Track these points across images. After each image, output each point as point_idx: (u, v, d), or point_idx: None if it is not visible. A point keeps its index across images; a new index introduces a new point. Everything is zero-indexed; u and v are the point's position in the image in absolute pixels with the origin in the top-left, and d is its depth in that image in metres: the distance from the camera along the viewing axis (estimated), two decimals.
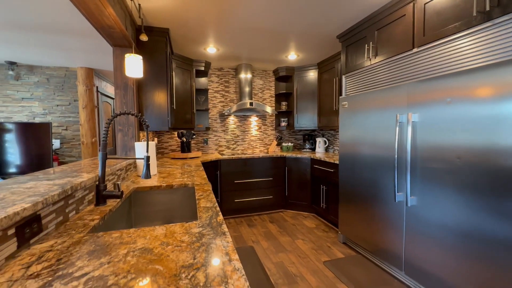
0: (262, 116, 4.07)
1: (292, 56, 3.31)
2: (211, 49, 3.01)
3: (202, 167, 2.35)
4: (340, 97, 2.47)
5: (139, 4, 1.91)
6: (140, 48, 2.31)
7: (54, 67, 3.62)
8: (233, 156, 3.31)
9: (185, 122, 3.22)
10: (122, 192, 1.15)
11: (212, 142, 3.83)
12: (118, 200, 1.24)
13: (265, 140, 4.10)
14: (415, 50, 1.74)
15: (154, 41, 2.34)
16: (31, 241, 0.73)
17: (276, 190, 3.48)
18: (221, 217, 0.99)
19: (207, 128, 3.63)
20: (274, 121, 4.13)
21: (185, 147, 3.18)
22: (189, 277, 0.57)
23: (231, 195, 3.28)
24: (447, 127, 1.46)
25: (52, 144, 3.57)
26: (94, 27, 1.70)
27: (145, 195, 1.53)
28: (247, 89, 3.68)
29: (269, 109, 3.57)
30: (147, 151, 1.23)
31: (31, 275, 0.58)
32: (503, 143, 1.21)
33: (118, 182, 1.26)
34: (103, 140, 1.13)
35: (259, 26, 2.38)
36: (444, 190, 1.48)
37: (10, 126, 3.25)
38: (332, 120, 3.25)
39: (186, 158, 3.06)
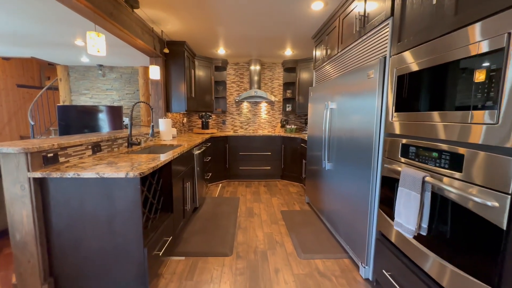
0: (271, 102, 4.83)
1: (288, 52, 3.94)
2: (221, 51, 3.93)
3: (204, 140, 3.39)
4: (310, 87, 3.09)
5: (162, 31, 2.96)
6: (167, 56, 3.40)
7: (125, 67, 5.16)
8: (238, 133, 4.26)
9: (205, 106, 4.30)
10: (140, 142, 2.26)
11: (229, 123, 4.85)
12: (139, 146, 2.36)
13: (273, 122, 4.88)
14: (339, 53, 2.29)
15: (175, 50, 3.40)
16: (97, 153, 1.87)
17: (273, 163, 4.30)
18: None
19: (223, 112, 4.64)
20: (281, 107, 4.85)
21: (204, 126, 4.28)
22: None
23: (237, 163, 4.27)
24: (345, 113, 2.05)
25: (123, 121, 5.20)
26: (136, 48, 2.84)
27: (155, 148, 2.65)
28: (255, 78, 4.49)
29: (271, 97, 4.33)
30: (152, 121, 2.30)
31: (95, 159, 1.69)
32: (355, 126, 1.81)
33: (143, 139, 2.38)
34: (130, 115, 2.24)
35: (251, 33, 3.17)
36: (344, 159, 2.11)
37: (101, 108, 4.95)
38: None
39: (203, 133, 4.17)
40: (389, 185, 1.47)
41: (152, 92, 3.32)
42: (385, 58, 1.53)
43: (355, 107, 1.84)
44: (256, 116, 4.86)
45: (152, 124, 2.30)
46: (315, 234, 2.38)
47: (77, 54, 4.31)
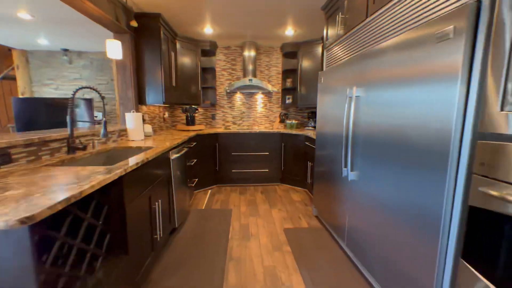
0: (268, 93, 4.16)
1: (289, 32, 3.26)
2: (208, 29, 3.22)
3: (188, 139, 2.71)
4: (320, 72, 2.43)
5: None
6: (138, 33, 2.68)
7: (96, 52, 4.38)
8: (230, 130, 3.59)
9: (190, 98, 3.60)
10: (85, 146, 1.57)
11: (219, 118, 4.16)
12: (85, 152, 1.67)
13: (271, 117, 4.22)
14: (370, 19, 1.64)
15: (148, 26, 2.68)
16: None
17: (272, 164, 3.66)
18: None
19: (212, 104, 3.95)
20: (280, 99, 4.19)
21: (189, 121, 3.59)
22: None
23: (229, 165, 3.61)
24: (386, 104, 1.41)
25: (96, 116, 4.44)
26: (90, 18, 2.11)
27: (113, 153, 1.96)
28: (250, 66, 3.80)
29: (269, 86, 3.66)
30: (104, 117, 1.60)
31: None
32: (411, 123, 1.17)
33: (98, 141, 1.69)
34: (69, 108, 1.54)
35: (245, 4, 2.47)
36: (380, 166, 1.48)
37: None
38: None
39: (188, 130, 3.48)
40: (489, 224, 0.85)
41: (119, 79, 2.61)
42: (478, 2, 0.88)
43: (407, 92, 1.20)
44: (251, 110, 4.19)
45: (103, 119, 1.62)
46: (334, 266, 1.76)
47: (33, 34, 3.52)
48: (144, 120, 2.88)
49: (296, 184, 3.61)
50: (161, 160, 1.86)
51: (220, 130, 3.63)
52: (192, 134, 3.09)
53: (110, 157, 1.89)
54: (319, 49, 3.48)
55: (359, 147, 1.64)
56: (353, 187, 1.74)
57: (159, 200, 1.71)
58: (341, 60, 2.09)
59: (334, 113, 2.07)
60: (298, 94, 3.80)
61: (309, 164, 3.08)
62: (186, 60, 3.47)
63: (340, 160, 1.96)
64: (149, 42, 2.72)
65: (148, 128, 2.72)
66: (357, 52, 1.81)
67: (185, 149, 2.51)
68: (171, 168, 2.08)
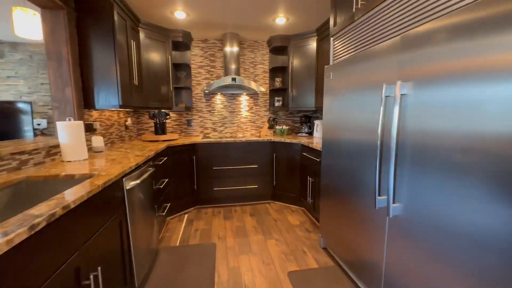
0: (254, 95, 3.58)
1: (281, 20, 2.72)
2: (180, 14, 2.57)
3: (155, 154, 2.03)
4: (326, 66, 1.91)
5: None
6: (82, 13, 1.96)
7: (36, 43, 3.49)
8: (210, 140, 2.94)
9: (160, 100, 2.91)
10: None
11: (197, 124, 3.49)
12: None
13: (258, 122, 3.64)
14: None
15: (97, 4, 1.97)
16: None
17: (262, 179, 3.07)
18: None
19: (188, 108, 3.27)
20: (268, 101, 3.63)
21: (159, 129, 2.88)
22: None
23: (210, 182, 2.96)
24: (457, 105, 0.89)
25: (39, 124, 3.54)
26: None
27: (16, 189, 1.24)
28: (232, 63, 3.20)
29: (255, 86, 3.09)
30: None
31: None
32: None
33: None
34: None
35: None
36: (443, 195, 0.95)
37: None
38: None
39: (157, 141, 2.77)
40: None
41: (50, 73, 1.86)
42: None
43: (501, 88, 0.68)
44: (235, 114, 3.58)
45: None
46: None
47: None
48: (93, 131, 2.14)
49: (290, 201, 3.05)
50: (106, 196, 1.18)
51: (198, 139, 2.97)
52: (162, 146, 2.40)
53: (15, 197, 1.17)
54: (313, 44, 2.99)
55: (404, 166, 1.11)
56: (396, 224, 1.20)
57: (98, 268, 1.03)
58: (360, 49, 1.57)
59: (355, 117, 1.54)
60: (289, 96, 3.27)
61: (310, 179, 2.54)
62: (153, 53, 2.78)
63: (367, 183, 1.42)
64: (99, 27, 2.01)
65: (98, 141, 1.99)
66: (391, 34, 1.30)
67: (151, 170, 1.82)
68: (125, 203, 1.40)
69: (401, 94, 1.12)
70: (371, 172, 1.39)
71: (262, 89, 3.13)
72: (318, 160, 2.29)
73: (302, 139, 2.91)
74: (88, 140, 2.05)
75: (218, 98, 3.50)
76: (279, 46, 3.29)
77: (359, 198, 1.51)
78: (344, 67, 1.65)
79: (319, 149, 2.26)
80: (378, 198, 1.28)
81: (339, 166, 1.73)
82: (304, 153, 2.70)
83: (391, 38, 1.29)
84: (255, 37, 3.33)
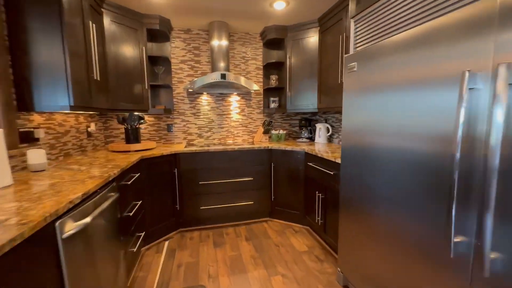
0: (246, 95, 3.11)
1: (280, 4, 2.29)
2: None
3: (121, 171, 1.49)
4: (346, 55, 1.49)
5: None
6: None
7: None
8: (195, 148, 2.43)
9: (133, 101, 2.36)
10: None
11: (179, 129, 2.96)
12: None
13: (250, 126, 3.17)
14: None
15: None
16: None
17: (258, 193, 2.60)
18: None
19: (168, 110, 2.74)
20: (262, 102, 3.18)
21: (130, 136, 2.33)
22: None
23: (195, 200, 2.44)
24: None
25: None
26: None
27: None
28: (221, 59, 2.72)
29: (248, 84, 2.63)
30: None
31: None
32: None
33: None
34: None
35: None
36: None
37: None
38: (337, 99, 2.27)
39: (129, 152, 2.22)
40: None
41: None
42: None
43: None
44: (224, 117, 3.09)
45: None
46: None
47: None
48: (33, 141, 1.57)
49: (292, 219, 2.60)
50: (19, 259, 0.66)
51: (180, 148, 2.45)
52: (134, 158, 1.87)
53: None
54: (315, 36, 2.59)
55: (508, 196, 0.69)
56: (494, 281, 0.78)
57: None
58: (399, 30, 1.16)
59: (400, 119, 1.12)
60: (286, 96, 2.84)
61: (319, 195, 2.10)
62: (122, 43, 2.24)
63: (422, 210, 1.00)
64: (39, 2, 1.46)
65: (37, 156, 1.43)
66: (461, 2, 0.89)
67: (114, 196, 1.29)
68: (60, 260, 0.87)
69: (509, 84, 0.70)
70: (431, 195, 0.97)
71: (256, 87, 2.68)
72: (332, 173, 1.86)
73: (304, 146, 2.48)
74: (23, 155, 1.48)
75: (204, 99, 2.99)
76: (275, 39, 2.86)
77: (407, 226, 1.08)
78: (379, 55, 1.23)
79: (332, 159, 1.83)
80: (454, 240, 0.86)
81: (370, 182, 1.31)
82: (310, 163, 2.26)
83: (466, 7, 0.88)
84: (246, 28, 2.88)
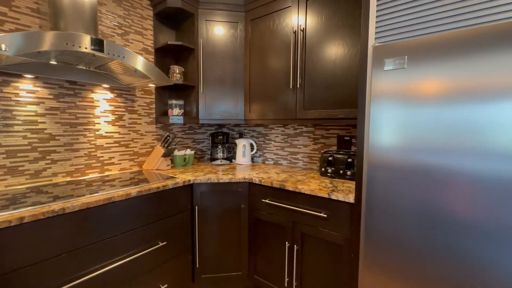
0: (125, 91, 1.79)
1: None
2: None
3: None
4: (376, 45, 0.99)
5: None
6: None
7: None
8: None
9: None
10: None
11: None
12: None
13: (135, 145, 1.86)
14: None
15: None
16: None
17: (174, 262, 1.47)
18: None
19: None
20: (154, 104, 1.98)
21: None
22: None
23: None
24: None
25: None
26: None
27: None
28: (79, 18, 1.31)
29: (148, 70, 1.47)
30: None
31: None
32: None
33: None
34: None
35: None
36: None
37: None
38: (286, 108, 1.74)
39: None
40: None
41: None
42: None
43: None
44: (78, 128, 1.57)
45: None
46: None
47: None
48: None
49: (228, 284, 1.70)
50: None
51: None
52: None
53: None
54: (240, 25, 1.92)
55: None
56: None
57: None
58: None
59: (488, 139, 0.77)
60: (198, 99, 1.92)
61: (294, 246, 1.43)
62: None
63: None
64: None
65: None
66: None
67: None
68: None
69: None
70: None
71: (167, 78, 1.55)
72: (326, 216, 1.28)
73: (240, 172, 1.72)
74: None
75: (25, 88, 1.35)
76: (177, 10, 1.85)
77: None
78: (446, 49, 0.84)
79: (326, 196, 1.26)
80: None
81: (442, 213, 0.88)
82: (266, 200, 1.53)
83: None
84: None
